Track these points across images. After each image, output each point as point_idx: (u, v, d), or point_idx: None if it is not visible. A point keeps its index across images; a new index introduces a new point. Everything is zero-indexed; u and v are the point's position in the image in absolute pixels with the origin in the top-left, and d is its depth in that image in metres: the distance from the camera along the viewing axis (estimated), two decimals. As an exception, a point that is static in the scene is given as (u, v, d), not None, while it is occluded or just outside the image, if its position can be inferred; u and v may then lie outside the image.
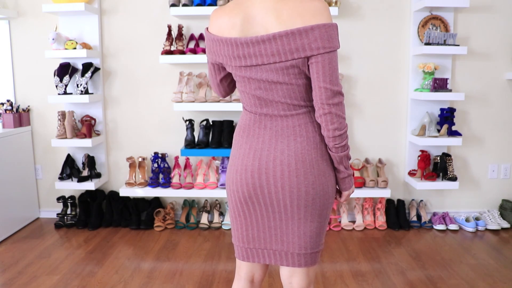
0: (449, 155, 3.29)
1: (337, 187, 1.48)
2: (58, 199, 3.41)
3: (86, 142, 3.21)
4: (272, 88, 1.33)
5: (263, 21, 1.27)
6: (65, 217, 3.38)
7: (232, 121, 3.31)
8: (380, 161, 3.40)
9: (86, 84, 3.22)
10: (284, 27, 1.25)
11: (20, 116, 3.37)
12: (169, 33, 3.22)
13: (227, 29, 1.30)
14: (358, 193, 3.25)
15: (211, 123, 3.34)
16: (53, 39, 3.08)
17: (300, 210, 1.37)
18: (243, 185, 1.39)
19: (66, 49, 3.14)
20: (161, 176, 3.36)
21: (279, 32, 1.24)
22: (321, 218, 1.41)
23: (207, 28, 1.38)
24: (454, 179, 3.22)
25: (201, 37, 3.29)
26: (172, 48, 3.24)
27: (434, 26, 3.24)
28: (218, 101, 3.17)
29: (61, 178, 3.32)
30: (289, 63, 1.27)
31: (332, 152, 1.37)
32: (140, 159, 3.37)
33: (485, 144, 3.44)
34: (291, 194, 1.35)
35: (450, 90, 3.15)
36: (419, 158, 3.33)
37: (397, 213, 3.37)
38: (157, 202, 3.48)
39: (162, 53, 3.15)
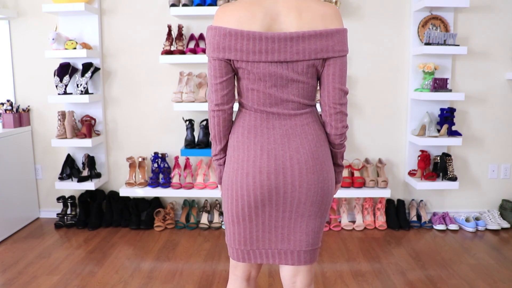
0: (449, 155, 3.29)
1: None
2: (58, 199, 3.41)
3: (86, 142, 3.21)
4: (288, 85, 1.34)
5: (286, 19, 1.29)
6: (65, 217, 3.38)
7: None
8: (380, 161, 3.40)
9: (86, 84, 3.22)
10: (306, 27, 1.28)
11: (20, 116, 3.37)
12: (169, 33, 3.22)
13: (248, 23, 1.28)
14: (358, 193, 3.25)
15: (211, 123, 3.33)
16: (53, 39, 3.08)
17: (313, 207, 1.39)
18: (257, 188, 1.35)
19: (66, 49, 3.14)
20: (161, 176, 3.36)
21: (309, 31, 1.27)
22: (325, 213, 1.46)
23: (212, 25, 1.32)
24: (454, 179, 3.22)
25: (201, 37, 3.28)
26: (172, 48, 3.24)
27: (434, 26, 3.24)
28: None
29: (61, 178, 3.32)
30: (311, 62, 1.31)
31: (334, 149, 1.45)
32: (140, 159, 3.37)
33: (485, 144, 3.44)
34: (307, 191, 1.36)
35: (450, 90, 3.15)
36: (419, 158, 3.33)
37: (397, 213, 3.37)
38: (157, 202, 3.48)
39: (162, 53, 3.15)
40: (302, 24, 1.28)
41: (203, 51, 3.12)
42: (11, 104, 3.31)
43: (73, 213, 3.42)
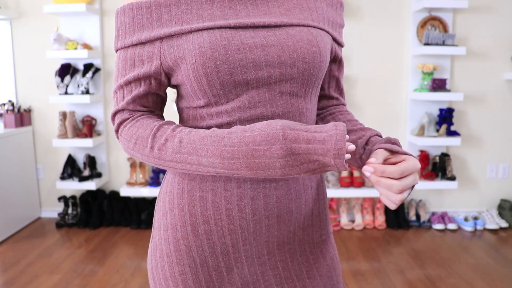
0: (448, 155, 3.31)
1: None
2: (59, 198, 3.43)
3: (87, 142, 3.22)
4: None
5: None
6: (66, 217, 3.40)
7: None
8: (379, 161, 3.41)
9: (87, 84, 3.24)
10: None
11: (22, 116, 3.39)
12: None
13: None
14: (357, 193, 3.27)
15: (211, 123, 3.35)
16: (54, 39, 3.10)
17: None
18: None
19: (67, 49, 3.16)
20: (161, 175, 3.37)
21: None
22: None
23: None
24: (452, 178, 3.24)
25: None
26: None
27: (433, 27, 3.26)
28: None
29: (62, 177, 3.34)
30: None
31: None
32: (140, 159, 3.38)
33: (483, 144, 3.45)
34: None
35: (449, 91, 3.16)
36: (418, 158, 3.35)
37: (396, 212, 3.38)
38: (157, 201, 3.49)
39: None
40: None
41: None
42: (12, 104, 3.32)
43: (74, 212, 3.44)
